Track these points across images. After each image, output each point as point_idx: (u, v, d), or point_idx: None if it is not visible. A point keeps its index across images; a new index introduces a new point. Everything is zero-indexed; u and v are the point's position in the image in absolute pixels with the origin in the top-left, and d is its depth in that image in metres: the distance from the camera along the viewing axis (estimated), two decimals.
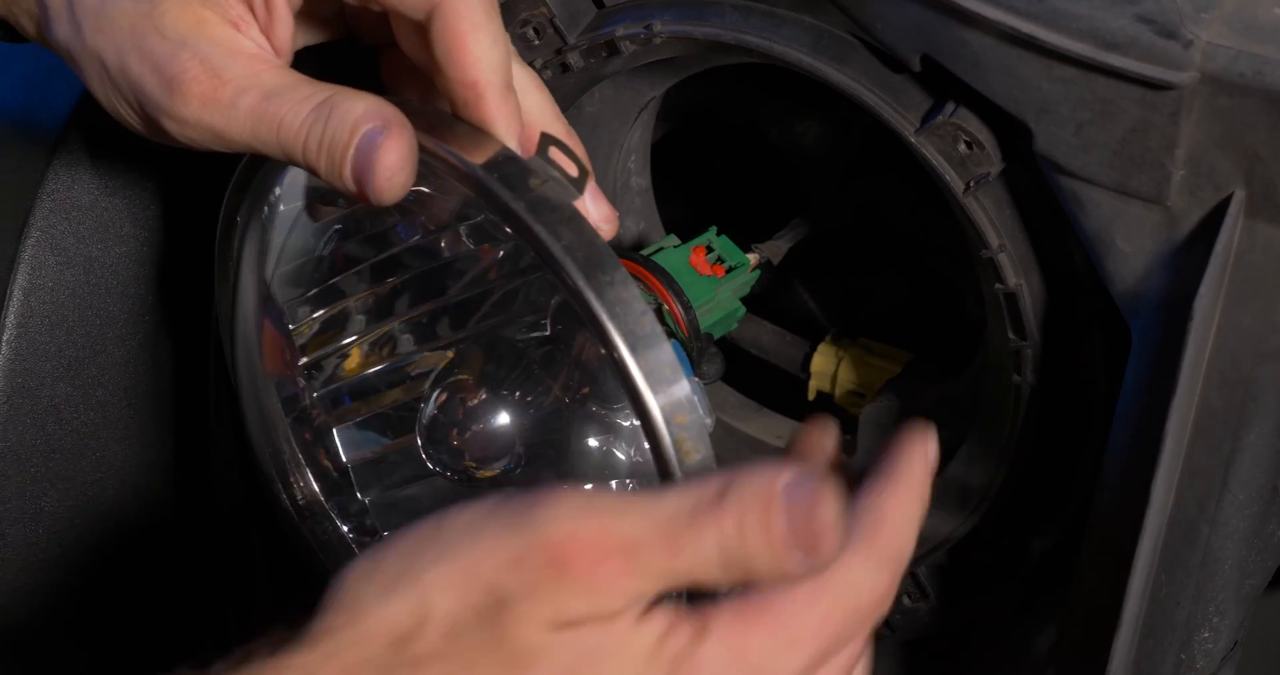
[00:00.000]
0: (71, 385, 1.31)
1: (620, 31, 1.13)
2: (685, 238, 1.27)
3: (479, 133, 0.97)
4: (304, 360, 1.18)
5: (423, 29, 0.97)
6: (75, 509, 1.33)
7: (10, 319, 1.26)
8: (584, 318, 0.91)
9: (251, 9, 0.97)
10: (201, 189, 1.23)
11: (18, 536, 1.30)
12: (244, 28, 0.97)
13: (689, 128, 1.49)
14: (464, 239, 1.12)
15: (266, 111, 0.94)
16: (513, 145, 0.97)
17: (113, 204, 1.30)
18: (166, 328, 1.36)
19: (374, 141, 0.93)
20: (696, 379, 0.95)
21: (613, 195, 1.37)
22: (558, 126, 1.03)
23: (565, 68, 1.16)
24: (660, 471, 0.93)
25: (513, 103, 0.98)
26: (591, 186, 1.00)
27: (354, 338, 1.17)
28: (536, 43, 1.15)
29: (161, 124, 0.97)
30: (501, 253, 1.11)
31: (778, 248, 1.36)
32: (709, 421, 0.95)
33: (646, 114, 1.33)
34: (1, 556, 1.29)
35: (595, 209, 0.99)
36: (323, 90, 0.95)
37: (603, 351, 0.92)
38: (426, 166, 0.96)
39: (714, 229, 1.27)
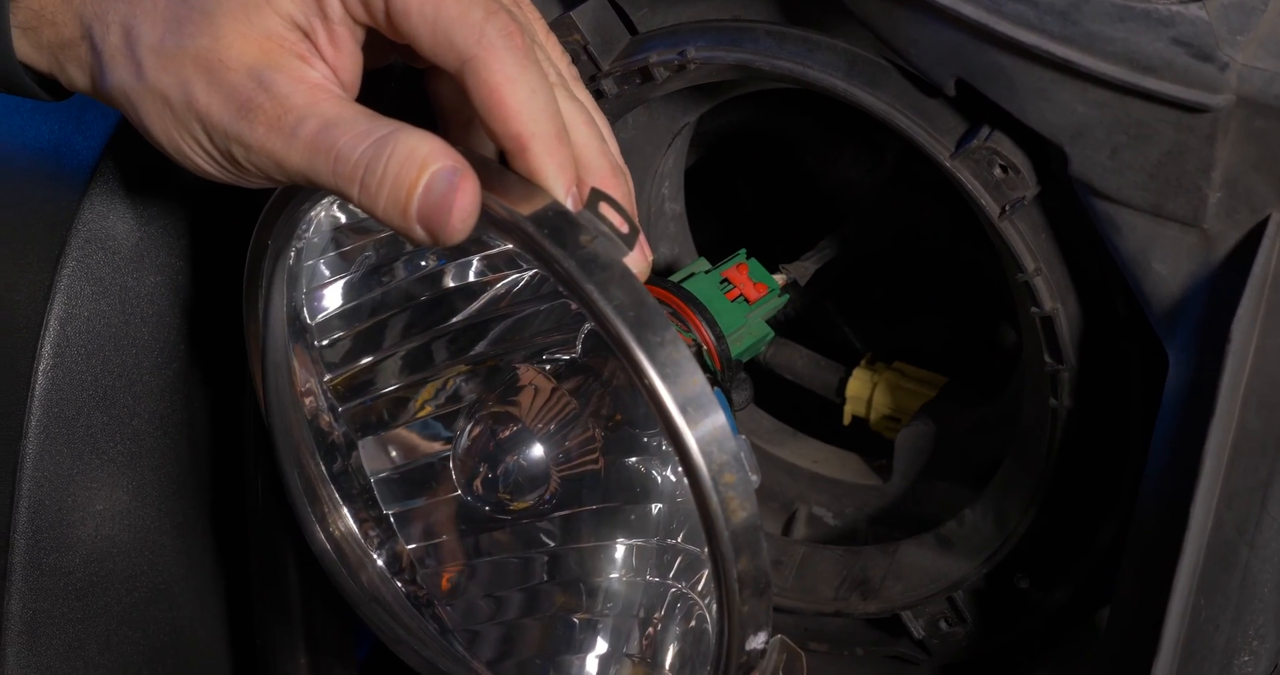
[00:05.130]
0: (107, 415, 1.31)
1: (654, 58, 1.13)
2: (715, 260, 1.27)
3: (527, 184, 0.96)
4: (329, 377, 1.18)
5: (460, 80, 0.96)
6: (110, 538, 1.33)
7: (46, 349, 1.26)
8: (634, 377, 0.92)
9: (316, 44, 0.97)
10: (235, 219, 1.23)
11: (53, 565, 1.30)
12: (310, 59, 0.96)
13: (722, 152, 1.49)
14: (475, 266, 1.12)
15: (323, 142, 0.93)
16: (562, 196, 0.96)
17: (147, 234, 1.30)
18: (201, 357, 1.36)
19: (450, 182, 0.92)
20: (744, 437, 0.95)
21: (647, 221, 1.37)
22: (603, 163, 1.01)
23: (599, 94, 1.16)
24: (706, 529, 0.94)
25: (561, 152, 0.96)
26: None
27: (374, 358, 1.17)
28: None
29: (232, 151, 0.97)
30: (524, 278, 1.11)
31: (805, 269, 1.35)
32: (755, 479, 0.96)
33: (680, 139, 1.33)
34: (38, 584, 1.29)
35: (631, 262, 0.98)
36: (384, 125, 0.94)
37: (650, 403, 0.93)
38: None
39: (743, 252, 1.27)
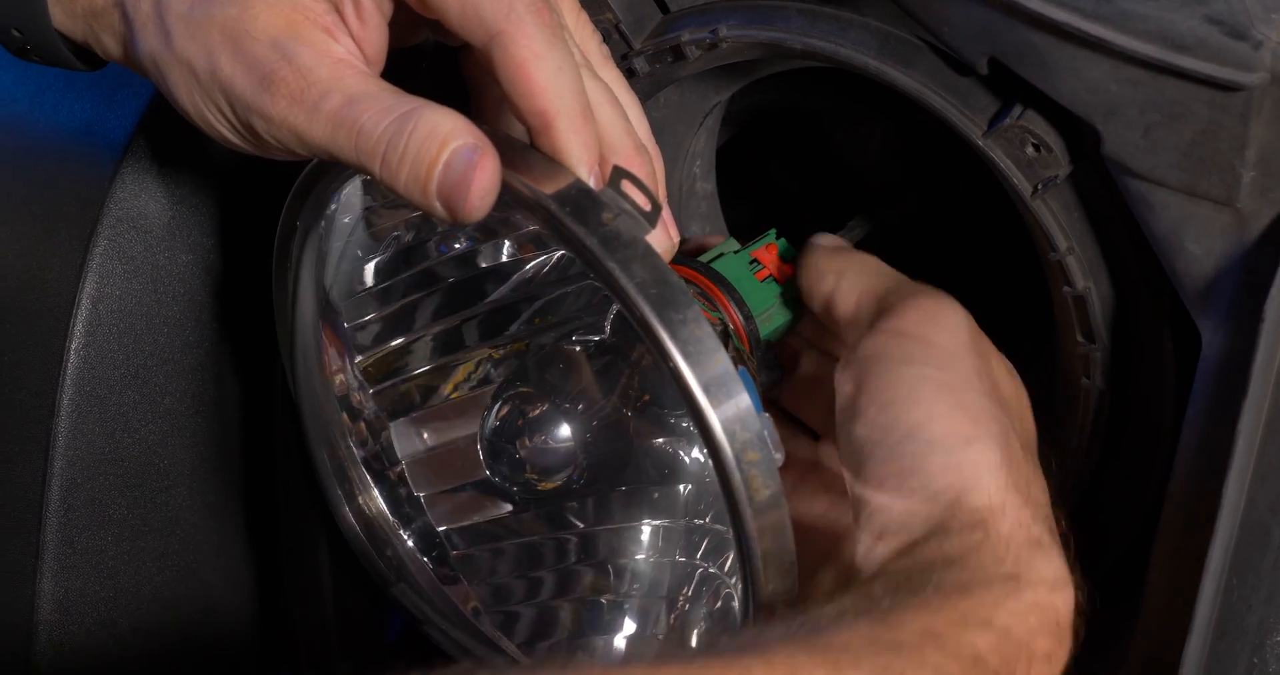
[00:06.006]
0: (139, 393, 1.31)
1: (686, 36, 1.13)
2: (746, 239, 1.27)
3: (551, 162, 0.96)
4: (359, 359, 1.18)
5: (487, 56, 0.96)
6: (142, 516, 1.34)
7: (79, 327, 1.26)
8: (656, 355, 0.92)
9: (343, 17, 0.97)
10: (267, 198, 1.23)
11: (85, 543, 1.30)
12: (336, 33, 0.96)
13: (754, 130, 1.48)
14: (506, 248, 1.12)
15: (346, 117, 0.93)
16: (585, 174, 0.96)
17: (179, 213, 1.30)
18: (233, 336, 1.36)
19: (469, 160, 0.92)
20: (767, 414, 0.95)
21: (678, 200, 1.37)
22: (627, 142, 1.01)
23: (631, 73, 1.16)
24: (730, 507, 0.94)
25: (585, 131, 0.96)
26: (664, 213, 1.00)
27: (405, 340, 1.17)
28: None
29: (252, 124, 0.97)
30: (553, 258, 1.11)
31: None
32: (779, 456, 0.96)
33: (712, 118, 1.33)
34: (70, 562, 1.30)
35: (657, 240, 0.98)
36: (406, 102, 0.94)
37: (673, 383, 0.93)
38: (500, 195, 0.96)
39: (773, 231, 1.26)
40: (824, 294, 1.14)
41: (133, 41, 1.01)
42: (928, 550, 0.97)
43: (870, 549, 1.00)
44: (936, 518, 0.99)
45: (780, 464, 0.96)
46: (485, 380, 1.18)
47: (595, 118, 0.98)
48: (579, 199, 0.93)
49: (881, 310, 1.08)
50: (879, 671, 0.85)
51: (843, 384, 1.06)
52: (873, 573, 0.98)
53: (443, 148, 0.92)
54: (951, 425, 1.01)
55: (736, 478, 0.92)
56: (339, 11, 0.97)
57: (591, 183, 0.95)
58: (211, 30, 0.96)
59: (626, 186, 0.96)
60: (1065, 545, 1.00)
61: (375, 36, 0.98)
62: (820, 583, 1.03)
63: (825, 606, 0.92)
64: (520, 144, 0.97)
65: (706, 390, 0.91)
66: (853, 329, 1.11)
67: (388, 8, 0.98)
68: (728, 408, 0.91)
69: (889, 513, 1.00)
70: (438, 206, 0.93)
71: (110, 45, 1.04)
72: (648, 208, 0.96)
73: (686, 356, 0.91)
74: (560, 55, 0.95)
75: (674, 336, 0.91)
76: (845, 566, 1.02)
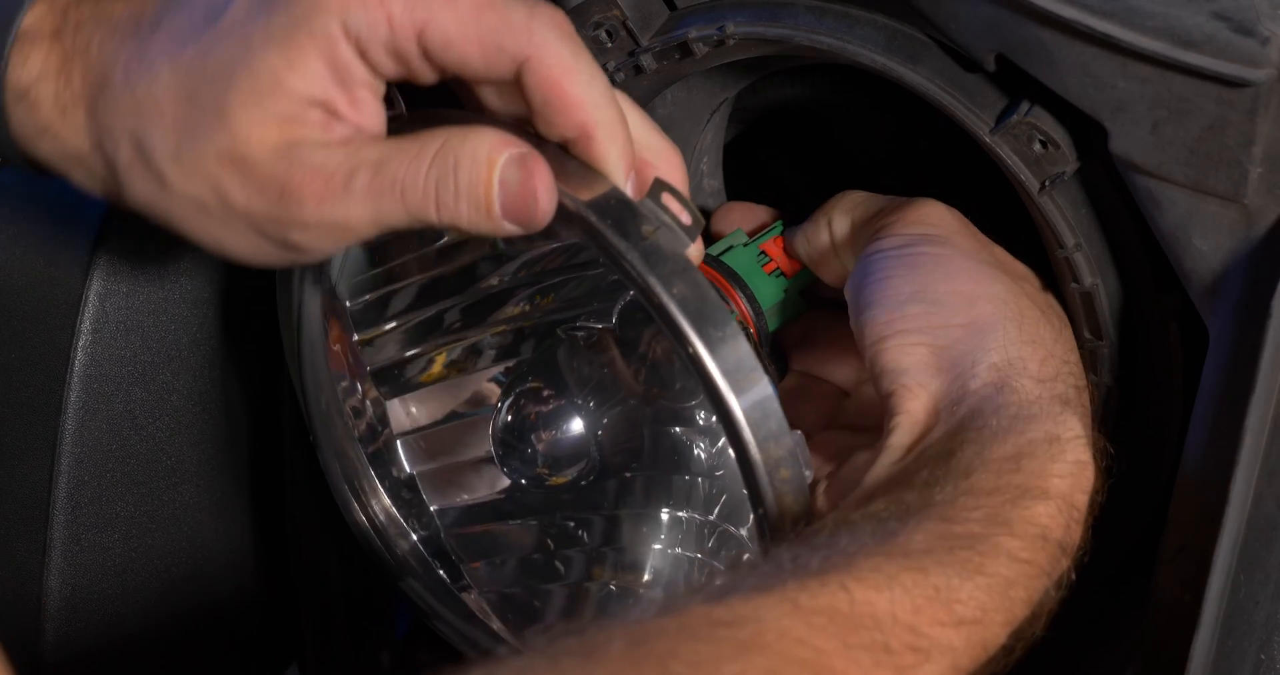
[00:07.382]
0: (145, 390, 1.31)
1: (693, 33, 1.13)
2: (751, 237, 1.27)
3: (586, 169, 0.96)
4: (356, 337, 1.18)
5: (512, 86, 0.95)
6: (149, 513, 1.34)
7: (85, 325, 1.26)
8: (694, 371, 0.93)
9: (337, 112, 0.93)
10: None
11: (92, 540, 1.30)
12: (333, 127, 0.93)
13: (761, 127, 1.48)
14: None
15: (382, 183, 0.92)
16: (622, 182, 0.95)
17: None
18: (239, 333, 1.36)
19: (525, 167, 0.91)
20: (799, 431, 0.96)
21: None
22: (663, 144, 1.01)
23: (638, 70, 1.16)
24: (759, 524, 0.95)
25: (622, 137, 0.96)
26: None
27: (399, 323, 1.17)
28: (609, 45, 1.15)
29: (288, 238, 0.95)
30: (557, 245, 1.11)
31: None
32: (809, 474, 0.96)
33: (719, 115, 1.32)
34: (77, 560, 1.30)
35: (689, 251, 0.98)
36: (432, 140, 0.93)
37: (708, 398, 0.94)
38: None
39: (780, 224, 1.26)
40: (822, 242, 1.18)
41: (119, 187, 0.98)
42: (958, 415, 0.99)
43: (896, 416, 1.02)
44: (949, 375, 1.02)
45: (810, 481, 0.97)
46: (474, 350, 1.18)
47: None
48: (619, 210, 0.93)
49: (874, 231, 1.12)
50: (960, 566, 0.88)
51: (849, 288, 1.09)
52: (910, 448, 1.00)
53: (491, 167, 0.91)
54: (954, 286, 1.04)
55: (769, 495, 0.94)
56: (332, 108, 0.94)
57: (629, 190, 0.95)
58: (209, 164, 0.93)
59: (666, 198, 0.96)
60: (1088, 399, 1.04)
61: (374, 119, 0.96)
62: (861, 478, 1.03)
63: (885, 507, 0.93)
64: (554, 148, 0.96)
65: (744, 407, 0.93)
66: (851, 252, 1.15)
67: (383, 87, 0.96)
68: (763, 425, 0.93)
69: (901, 362, 1.03)
70: (507, 225, 0.93)
71: (86, 183, 1.00)
72: (687, 221, 0.95)
73: (726, 374, 0.93)
74: (588, 65, 0.95)
75: (714, 354, 0.92)
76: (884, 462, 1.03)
